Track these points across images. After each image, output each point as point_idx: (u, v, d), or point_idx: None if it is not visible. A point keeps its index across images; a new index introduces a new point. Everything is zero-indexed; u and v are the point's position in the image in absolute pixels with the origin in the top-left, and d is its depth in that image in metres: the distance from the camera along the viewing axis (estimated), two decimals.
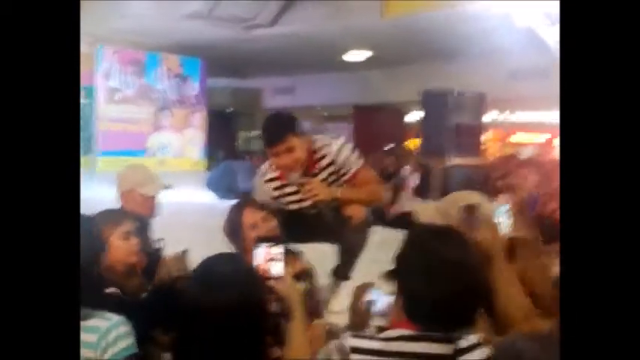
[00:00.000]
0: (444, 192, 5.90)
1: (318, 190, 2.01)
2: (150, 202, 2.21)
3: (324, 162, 2.11)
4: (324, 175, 2.12)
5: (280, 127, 2.02)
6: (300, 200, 2.13)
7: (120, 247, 1.78)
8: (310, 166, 2.09)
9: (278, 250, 1.34)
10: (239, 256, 1.37)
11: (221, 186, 8.43)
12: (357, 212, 2.02)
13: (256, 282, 1.21)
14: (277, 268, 1.34)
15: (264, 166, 2.21)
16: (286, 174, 2.05)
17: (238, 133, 19.94)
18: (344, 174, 2.13)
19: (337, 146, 2.11)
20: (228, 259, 1.26)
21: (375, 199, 2.19)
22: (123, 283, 1.77)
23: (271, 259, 1.34)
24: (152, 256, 1.96)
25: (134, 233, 1.83)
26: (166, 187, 2.27)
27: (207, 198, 8.41)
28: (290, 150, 1.99)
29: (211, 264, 1.20)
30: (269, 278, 1.33)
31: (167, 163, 12.32)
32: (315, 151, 2.10)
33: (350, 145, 2.15)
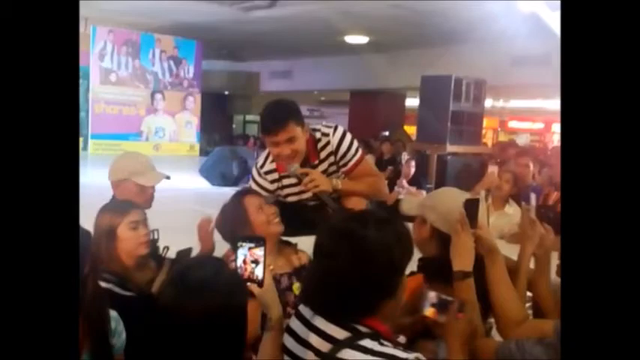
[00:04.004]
0: (441, 180, 5.86)
1: (319, 182, 1.91)
2: (146, 193, 2.07)
3: (325, 153, 2.02)
4: (324, 166, 2.02)
5: (281, 114, 1.89)
6: (300, 192, 2.04)
7: (129, 238, 1.69)
8: (310, 156, 1.99)
9: (261, 251, 1.25)
10: (219, 260, 1.27)
11: (214, 173, 8.33)
12: (358, 205, 1.94)
13: (238, 287, 1.12)
14: (258, 271, 1.24)
15: (261, 158, 2.11)
16: (285, 165, 1.95)
17: (234, 117, 19.86)
18: (344, 165, 2.04)
19: (338, 136, 2.01)
20: (207, 262, 1.18)
21: (376, 192, 2.10)
22: (132, 276, 1.68)
23: (254, 261, 1.25)
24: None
25: (142, 223, 1.75)
26: (166, 178, 2.16)
27: (201, 184, 8.32)
28: (291, 140, 1.88)
29: (189, 267, 1.11)
30: (249, 281, 1.24)
31: (162, 148, 12.22)
32: (315, 142, 2.00)
33: (350, 136, 2.05)
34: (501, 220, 3.33)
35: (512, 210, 3.42)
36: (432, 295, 1.34)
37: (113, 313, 1.33)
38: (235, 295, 1.08)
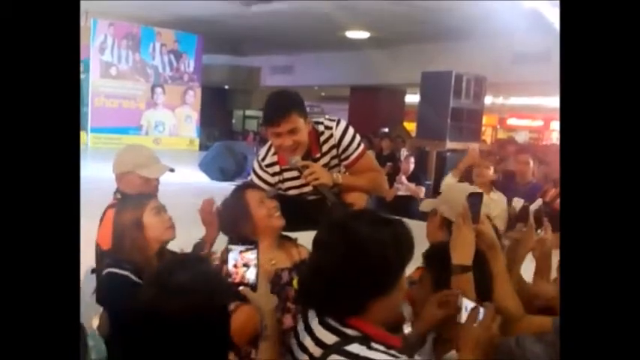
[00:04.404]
0: (440, 177, 5.85)
1: (319, 175, 1.91)
2: (150, 185, 2.06)
3: (327, 146, 2.02)
4: (326, 159, 2.02)
5: (284, 104, 1.89)
6: (301, 185, 2.03)
7: (155, 224, 1.70)
8: (312, 149, 1.99)
9: (252, 255, 1.22)
10: (202, 260, 1.24)
11: (213, 167, 8.33)
12: (358, 200, 1.94)
13: (219, 287, 1.09)
14: (250, 275, 1.21)
15: (263, 151, 2.10)
16: (287, 156, 1.95)
17: (234, 112, 19.82)
18: (345, 158, 2.03)
19: (341, 130, 2.01)
20: (190, 262, 1.15)
21: (377, 187, 2.10)
22: (152, 266, 1.65)
23: (245, 265, 1.22)
24: None
25: (163, 209, 1.75)
26: (170, 170, 2.17)
27: (200, 178, 8.32)
28: (293, 131, 1.87)
29: (171, 266, 1.09)
30: (241, 284, 1.21)
31: (162, 142, 12.21)
32: (317, 135, 2.00)
33: (353, 129, 2.05)
34: (488, 206, 3.33)
35: (497, 196, 3.42)
36: (470, 304, 1.30)
37: (91, 332, 1.31)
38: (216, 296, 1.05)
